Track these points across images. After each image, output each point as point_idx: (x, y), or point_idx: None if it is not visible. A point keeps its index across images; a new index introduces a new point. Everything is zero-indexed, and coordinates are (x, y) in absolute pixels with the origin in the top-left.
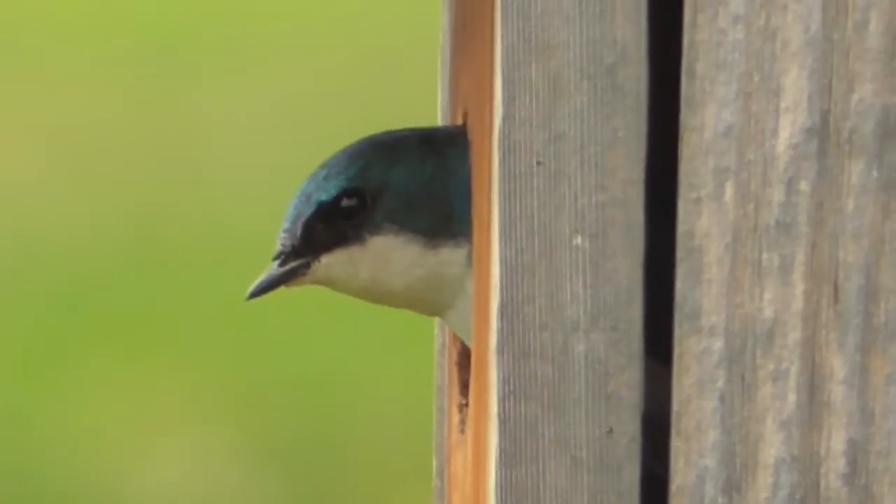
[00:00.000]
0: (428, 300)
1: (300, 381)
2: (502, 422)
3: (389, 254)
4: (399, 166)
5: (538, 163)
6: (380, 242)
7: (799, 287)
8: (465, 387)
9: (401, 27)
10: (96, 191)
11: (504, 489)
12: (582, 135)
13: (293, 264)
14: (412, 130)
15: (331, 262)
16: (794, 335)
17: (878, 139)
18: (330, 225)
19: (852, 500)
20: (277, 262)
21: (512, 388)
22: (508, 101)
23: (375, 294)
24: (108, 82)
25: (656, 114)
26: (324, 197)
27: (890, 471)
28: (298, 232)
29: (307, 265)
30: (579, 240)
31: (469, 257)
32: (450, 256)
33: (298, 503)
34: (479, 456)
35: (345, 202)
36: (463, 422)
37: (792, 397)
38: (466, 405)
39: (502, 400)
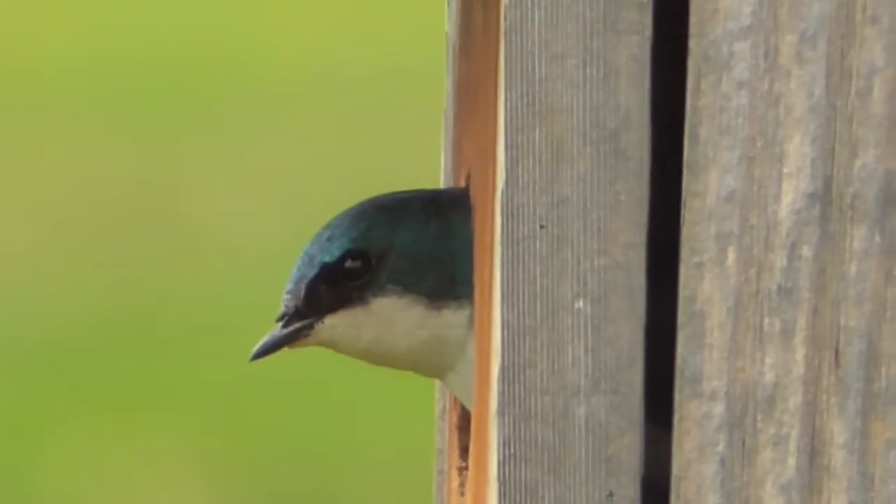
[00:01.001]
0: (430, 362)
1: (298, 445)
2: (502, 484)
3: (393, 315)
4: (403, 228)
5: (541, 227)
6: (384, 304)
7: (800, 352)
8: (465, 450)
9: (403, 91)
10: (93, 254)
11: None
12: (584, 199)
13: (296, 325)
14: (416, 192)
15: (334, 324)
16: (795, 400)
17: (880, 205)
18: (333, 286)
19: None
20: (281, 324)
21: (512, 452)
22: (511, 164)
23: (378, 356)
24: (100, 148)
25: (659, 178)
26: (327, 258)
27: None
28: (302, 293)
29: (310, 326)
30: (581, 304)
31: (470, 319)
32: (452, 318)
33: None
34: None
35: (349, 264)
36: (463, 485)
37: (792, 462)
38: (466, 468)
39: (502, 463)
